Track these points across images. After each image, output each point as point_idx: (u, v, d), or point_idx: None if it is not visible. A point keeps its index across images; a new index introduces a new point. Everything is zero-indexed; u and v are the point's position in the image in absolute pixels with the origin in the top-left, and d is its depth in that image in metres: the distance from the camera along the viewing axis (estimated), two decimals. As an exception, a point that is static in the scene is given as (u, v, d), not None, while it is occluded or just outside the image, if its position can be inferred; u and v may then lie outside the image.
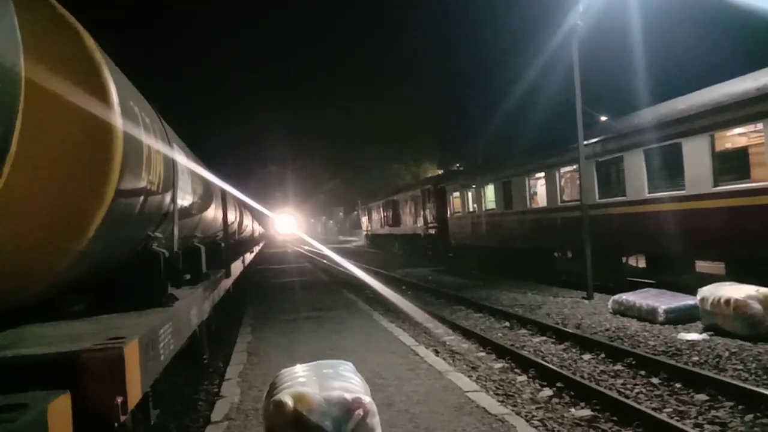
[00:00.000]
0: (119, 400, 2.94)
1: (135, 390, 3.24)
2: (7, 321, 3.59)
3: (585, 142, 14.03)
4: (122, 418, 2.98)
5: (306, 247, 53.35)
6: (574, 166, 15.41)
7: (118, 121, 3.42)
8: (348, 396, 4.05)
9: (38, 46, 3.09)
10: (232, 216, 14.20)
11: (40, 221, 3.10)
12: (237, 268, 12.95)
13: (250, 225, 24.58)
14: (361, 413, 3.99)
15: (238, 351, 8.90)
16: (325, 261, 33.76)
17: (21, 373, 2.63)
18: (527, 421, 5.65)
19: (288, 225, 74.00)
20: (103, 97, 3.32)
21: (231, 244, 12.94)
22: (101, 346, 3.00)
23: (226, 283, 10.33)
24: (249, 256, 20.10)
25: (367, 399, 4.10)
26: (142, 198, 4.31)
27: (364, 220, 53.45)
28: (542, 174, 18.13)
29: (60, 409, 2.38)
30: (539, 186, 18.83)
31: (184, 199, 6.47)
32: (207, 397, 7.10)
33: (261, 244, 34.84)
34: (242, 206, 20.83)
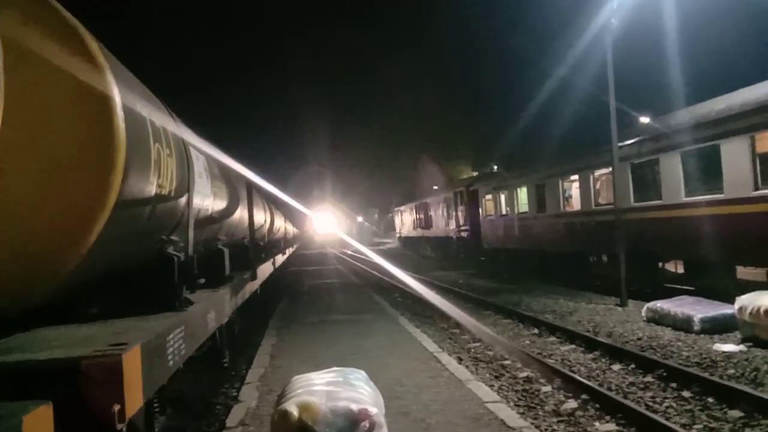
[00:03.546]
0: (116, 408, 2.89)
1: (135, 397, 3.18)
2: (18, 324, 3.60)
3: (619, 144, 13.65)
4: (119, 426, 2.93)
5: (347, 251, 52.93)
6: (609, 169, 15.01)
7: (119, 124, 3.37)
8: (354, 407, 3.94)
9: (33, 43, 3.07)
10: (260, 217, 14.24)
11: (38, 226, 3.07)
12: (265, 270, 12.98)
13: (282, 226, 24.71)
14: (367, 425, 3.88)
15: (261, 354, 8.90)
16: (358, 264, 33.79)
17: (6, 382, 2.60)
18: (546, 435, 5.46)
19: (327, 224, 72.98)
20: (104, 101, 3.28)
21: (259, 246, 12.98)
22: (97, 354, 2.96)
23: (252, 286, 10.32)
24: (280, 258, 20.22)
25: (373, 410, 3.98)
26: (151, 202, 4.28)
27: (397, 222, 53.25)
28: (576, 176, 17.73)
29: (39, 420, 2.33)
30: (573, 189, 18.42)
31: (203, 202, 6.46)
32: (225, 400, 7.09)
33: (294, 247, 34.99)
34: (274, 207, 20.95)
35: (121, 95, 3.46)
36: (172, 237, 5.15)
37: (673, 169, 12.76)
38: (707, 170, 11.76)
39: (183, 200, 5.37)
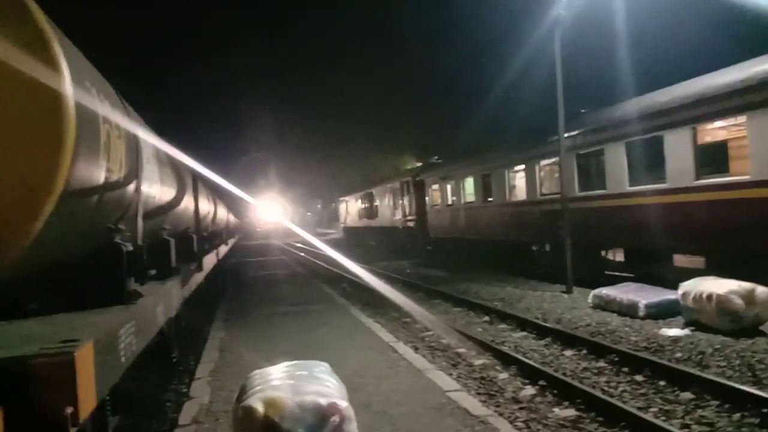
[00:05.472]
0: (69, 410, 2.64)
1: (88, 398, 2.93)
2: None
3: (565, 135, 13.89)
4: (72, 430, 2.68)
5: (291, 241, 52.07)
6: (554, 159, 15.29)
7: (69, 103, 3.08)
8: (323, 401, 3.77)
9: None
10: (205, 207, 13.79)
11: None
12: (210, 261, 12.58)
13: (224, 216, 24.07)
14: (337, 420, 3.72)
15: (210, 348, 8.57)
16: (302, 254, 33.42)
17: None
18: (511, 422, 5.43)
19: (272, 213, 70.92)
20: (53, 75, 2.99)
21: (204, 236, 12.56)
22: (47, 352, 2.69)
23: (198, 278, 9.96)
24: (224, 249, 19.68)
25: (343, 404, 3.82)
26: (100, 188, 3.97)
27: (342, 211, 52.95)
28: (522, 166, 17.99)
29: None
30: (518, 179, 18.69)
31: (151, 189, 6.12)
32: (176, 397, 6.77)
33: (236, 237, 34.25)
34: (217, 195, 20.37)
35: (70, 68, 3.16)
36: (119, 226, 4.82)
37: (617, 159, 13.09)
38: (651, 160, 12.11)
39: (132, 187, 5.05)
